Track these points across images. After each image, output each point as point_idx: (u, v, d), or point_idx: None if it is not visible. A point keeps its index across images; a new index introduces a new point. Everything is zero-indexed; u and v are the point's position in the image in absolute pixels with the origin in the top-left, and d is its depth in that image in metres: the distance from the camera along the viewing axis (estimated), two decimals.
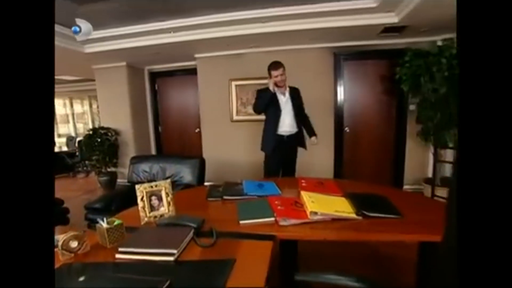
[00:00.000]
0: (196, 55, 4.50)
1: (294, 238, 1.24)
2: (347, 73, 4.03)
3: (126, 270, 0.97)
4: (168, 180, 1.39)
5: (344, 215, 1.36)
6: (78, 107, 8.34)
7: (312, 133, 3.03)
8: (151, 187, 1.36)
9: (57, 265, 1.00)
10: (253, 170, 4.39)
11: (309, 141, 3.03)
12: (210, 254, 1.06)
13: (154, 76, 5.50)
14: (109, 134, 5.00)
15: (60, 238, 1.05)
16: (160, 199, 1.37)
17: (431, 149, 3.69)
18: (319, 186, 1.83)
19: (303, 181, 1.91)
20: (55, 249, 1.03)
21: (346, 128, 4.16)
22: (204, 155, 4.63)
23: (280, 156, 2.91)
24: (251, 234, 1.20)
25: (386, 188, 1.97)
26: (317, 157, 4.07)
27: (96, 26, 3.46)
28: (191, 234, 1.14)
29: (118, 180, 5.13)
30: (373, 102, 4.06)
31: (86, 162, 5.74)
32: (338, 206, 1.45)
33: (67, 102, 8.34)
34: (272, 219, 1.35)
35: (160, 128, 5.68)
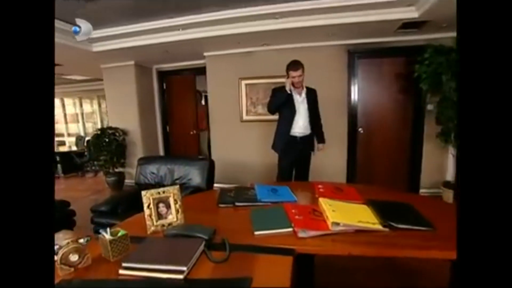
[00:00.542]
0: (205, 54, 4.40)
1: (315, 253, 1.11)
2: (362, 71, 3.87)
3: None
4: (177, 186, 1.29)
5: (369, 226, 1.24)
6: (87, 107, 8.36)
7: (321, 139, 2.98)
8: (158, 193, 1.26)
9: (56, 281, 0.91)
10: (264, 171, 4.30)
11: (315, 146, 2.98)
12: (223, 271, 0.95)
13: (163, 75, 5.43)
14: (117, 134, 4.96)
15: (59, 251, 0.96)
16: (168, 206, 1.27)
17: (451, 150, 3.52)
18: (337, 192, 1.70)
19: (320, 186, 1.79)
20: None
21: (360, 129, 4.00)
22: (213, 156, 4.54)
23: (293, 158, 2.83)
24: (268, 248, 1.08)
25: (409, 194, 1.84)
26: (329, 158, 3.93)
27: (104, 24, 3.42)
28: (201, 247, 1.04)
29: (126, 181, 5.09)
30: (388, 102, 3.90)
31: (95, 162, 5.72)
32: (361, 216, 1.32)
33: (77, 101, 8.37)
34: (290, 229, 1.23)
35: (168, 128, 5.62)
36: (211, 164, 2.73)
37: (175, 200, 1.27)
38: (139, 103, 5.05)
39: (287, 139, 2.76)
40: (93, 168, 6.41)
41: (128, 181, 5.05)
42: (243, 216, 1.42)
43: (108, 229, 1.06)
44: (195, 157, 4.66)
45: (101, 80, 5.29)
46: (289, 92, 2.62)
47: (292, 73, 2.58)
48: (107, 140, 4.83)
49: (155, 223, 1.24)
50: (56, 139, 8.76)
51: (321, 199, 1.47)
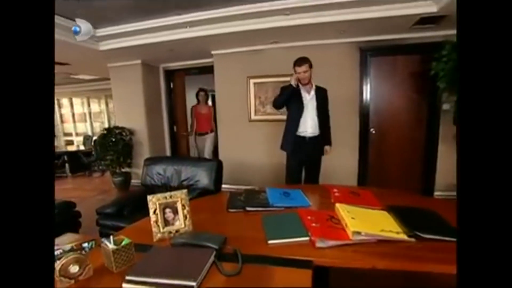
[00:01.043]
0: (213, 52, 4.32)
1: (335, 265, 1.02)
2: (374, 69, 3.74)
3: None
4: (185, 191, 1.21)
5: (393, 236, 1.13)
6: (95, 106, 8.38)
7: (327, 141, 2.85)
8: (165, 198, 1.18)
9: None
10: (273, 172, 4.20)
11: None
12: (235, 285, 0.87)
13: (170, 74, 5.37)
14: (124, 133, 4.92)
15: (58, 262, 0.88)
16: (175, 212, 1.19)
17: None
18: (354, 196, 1.60)
19: (335, 190, 1.69)
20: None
21: (372, 129, 3.87)
22: (220, 157, 4.46)
23: (301, 158, 2.75)
24: (284, 259, 0.99)
25: (430, 198, 1.72)
26: (339, 159, 3.81)
27: (110, 22, 3.36)
28: (212, 258, 0.95)
29: (132, 181, 5.05)
30: (401, 101, 3.75)
31: (101, 162, 5.71)
32: (383, 224, 1.22)
33: (85, 101, 8.40)
34: (306, 238, 1.14)
35: (175, 128, 5.56)
36: (219, 165, 2.64)
37: (183, 206, 1.19)
38: (146, 103, 4.99)
39: (295, 139, 2.69)
40: (100, 167, 6.41)
41: (135, 181, 5.01)
42: (254, 222, 1.33)
43: (111, 237, 0.98)
44: (203, 157, 4.62)
45: (109, 79, 5.26)
46: (295, 87, 2.57)
47: (297, 69, 2.55)
48: (113, 140, 4.79)
49: (161, 230, 1.16)
50: (64, 138, 8.82)
51: (338, 205, 1.38)
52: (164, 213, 1.17)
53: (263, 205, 1.51)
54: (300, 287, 0.85)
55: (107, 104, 8.11)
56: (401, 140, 3.82)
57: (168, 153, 5.60)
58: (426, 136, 3.73)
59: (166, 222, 1.17)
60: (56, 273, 0.86)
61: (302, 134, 2.69)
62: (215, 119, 4.73)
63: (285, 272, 0.92)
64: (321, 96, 2.72)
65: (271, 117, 4.10)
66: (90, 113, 8.43)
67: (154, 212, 1.16)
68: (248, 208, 1.48)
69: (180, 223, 1.19)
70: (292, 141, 2.71)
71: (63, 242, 1.41)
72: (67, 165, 6.34)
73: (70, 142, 8.65)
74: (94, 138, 6.72)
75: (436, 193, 3.78)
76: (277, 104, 2.75)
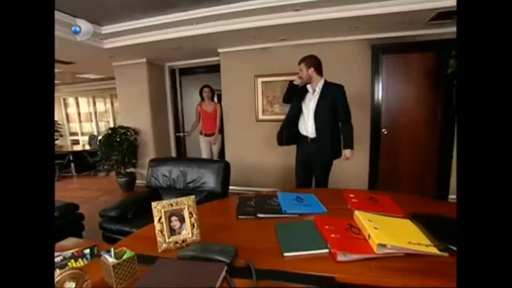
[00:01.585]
0: (220, 50, 4.22)
1: (359, 283, 0.90)
2: (386, 68, 3.60)
3: None
4: (192, 197, 1.11)
5: (422, 249, 1.02)
6: (100, 106, 8.37)
7: (345, 143, 2.60)
8: (171, 205, 1.08)
9: None
10: (281, 174, 4.10)
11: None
12: None
13: (175, 73, 5.29)
14: (128, 133, 4.85)
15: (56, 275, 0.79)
16: (182, 220, 1.09)
17: None
18: (373, 202, 1.49)
19: (352, 195, 1.57)
20: None
21: (384, 130, 3.74)
22: (227, 158, 4.36)
23: (303, 157, 2.69)
24: (304, 275, 0.89)
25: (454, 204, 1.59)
26: (349, 161, 3.67)
27: (115, 19, 3.28)
28: (223, 273, 0.85)
29: (137, 182, 4.99)
30: (415, 101, 3.61)
31: (106, 162, 5.66)
32: (409, 235, 1.11)
33: (90, 100, 8.40)
34: (326, 251, 1.03)
35: (180, 128, 5.48)
36: (227, 167, 2.55)
37: (190, 213, 1.09)
38: (151, 102, 4.92)
39: (291, 134, 2.70)
40: (105, 167, 6.37)
41: (140, 182, 4.95)
42: (267, 230, 1.23)
43: (112, 250, 0.89)
44: (209, 159, 4.52)
45: (114, 78, 5.21)
46: (296, 83, 2.58)
47: (299, 68, 2.56)
48: (118, 140, 4.72)
49: (167, 240, 1.06)
50: (70, 137, 8.82)
51: (357, 212, 1.26)
52: (170, 221, 1.07)
53: (276, 212, 1.40)
54: None
55: (112, 104, 8.10)
56: (414, 141, 3.68)
57: (173, 154, 5.52)
58: (440, 137, 3.59)
59: (172, 231, 1.08)
60: None
61: (304, 134, 2.62)
62: (222, 119, 4.49)
63: None
64: (332, 95, 2.48)
65: (279, 117, 3.98)
66: (95, 113, 8.43)
67: (159, 220, 1.06)
68: (259, 215, 1.38)
69: (187, 232, 1.09)
70: (287, 137, 2.71)
71: (64, 248, 1.33)
72: (72, 165, 6.31)
73: (76, 142, 8.65)
74: (99, 137, 6.69)
75: (450, 196, 3.63)
76: (283, 99, 2.78)
